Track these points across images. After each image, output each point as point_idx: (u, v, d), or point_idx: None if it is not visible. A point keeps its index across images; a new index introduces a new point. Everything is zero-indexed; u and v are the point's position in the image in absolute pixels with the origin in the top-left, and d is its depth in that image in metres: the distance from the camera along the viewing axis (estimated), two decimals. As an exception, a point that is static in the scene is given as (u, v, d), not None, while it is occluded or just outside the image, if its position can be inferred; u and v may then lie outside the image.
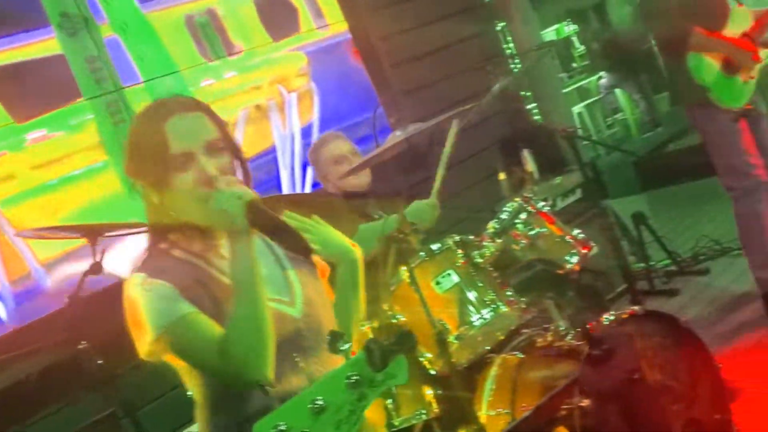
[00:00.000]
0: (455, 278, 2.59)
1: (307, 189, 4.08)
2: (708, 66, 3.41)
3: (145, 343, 1.49)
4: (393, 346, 1.10)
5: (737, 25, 3.51)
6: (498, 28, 5.52)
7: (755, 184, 3.47)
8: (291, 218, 1.75)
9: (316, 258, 1.77)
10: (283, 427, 1.03)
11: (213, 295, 1.54)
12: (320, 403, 1.05)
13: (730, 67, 3.41)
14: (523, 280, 2.60)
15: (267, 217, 1.45)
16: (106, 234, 2.67)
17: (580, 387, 2.09)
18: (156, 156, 1.52)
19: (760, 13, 3.58)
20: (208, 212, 1.49)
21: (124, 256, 3.13)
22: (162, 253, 1.60)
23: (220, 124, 1.61)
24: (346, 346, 1.14)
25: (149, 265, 1.56)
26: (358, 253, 1.85)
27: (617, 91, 10.80)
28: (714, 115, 3.47)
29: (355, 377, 1.08)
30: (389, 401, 2.55)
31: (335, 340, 1.14)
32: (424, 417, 2.55)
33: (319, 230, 1.86)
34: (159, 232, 1.62)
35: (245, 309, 1.44)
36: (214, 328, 1.47)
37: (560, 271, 2.49)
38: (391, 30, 4.73)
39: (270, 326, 1.46)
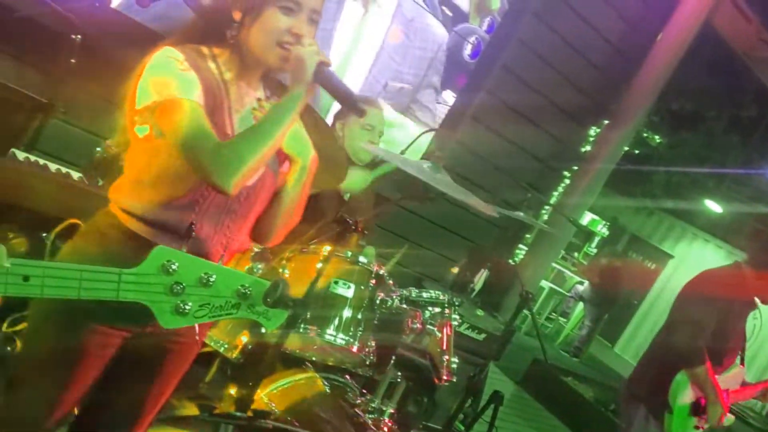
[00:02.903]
0: (349, 293, 2.64)
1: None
2: (686, 393, 3.54)
3: (144, 102, 1.60)
4: (291, 304, 1.18)
5: (728, 380, 3.66)
6: (566, 174, 5.65)
7: None
8: None
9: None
10: (174, 267, 1.12)
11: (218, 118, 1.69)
12: (211, 280, 1.14)
13: (697, 409, 3.54)
14: (397, 354, 2.68)
15: (328, 76, 1.67)
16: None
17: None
18: None
19: (748, 383, 3.77)
20: (280, 59, 1.68)
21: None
22: (203, 56, 1.71)
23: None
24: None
25: (190, 55, 1.65)
26: (312, 161, 1.90)
27: (580, 304, 11.08)
28: (649, 426, 3.57)
29: (247, 290, 1.17)
30: (213, 313, 2.59)
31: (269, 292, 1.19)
32: (220, 349, 2.59)
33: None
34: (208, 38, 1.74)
35: (260, 137, 1.61)
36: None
37: (436, 377, 2.58)
38: (504, 87, 4.82)
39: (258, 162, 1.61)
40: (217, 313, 1.16)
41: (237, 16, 1.71)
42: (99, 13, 2.82)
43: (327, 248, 2.61)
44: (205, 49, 1.71)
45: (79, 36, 2.58)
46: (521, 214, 3.05)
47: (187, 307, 1.13)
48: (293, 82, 1.66)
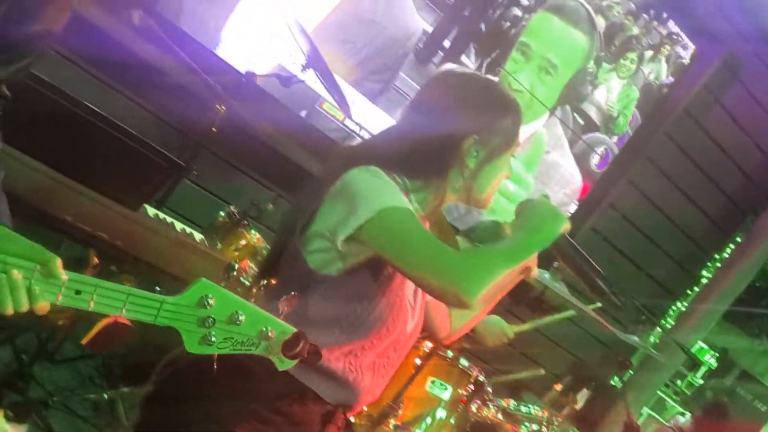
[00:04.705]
0: (445, 395, 2.58)
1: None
2: None
3: (358, 218, 1.43)
4: (311, 360, 1.23)
5: None
6: (681, 299, 5.41)
7: None
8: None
9: None
10: (211, 302, 1.18)
11: None
12: (240, 319, 1.20)
13: None
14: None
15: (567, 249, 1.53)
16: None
17: None
18: (515, 130, 1.61)
19: None
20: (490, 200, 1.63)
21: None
22: (398, 186, 1.55)
23: None
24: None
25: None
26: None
27: (679, 437, 10.40)
28: None
29: (269, 333, 1.22)
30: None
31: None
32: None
33: None
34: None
35: (498, 258, 1.42)
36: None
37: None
38: (627, 202, 4.71)
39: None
40: (238, 348, 1.23)
41: (470, 162, 1.58)
42: (244, 87, 2.96)
43: (428, 344, 2.56)
44: (398, 179, 1.54)
45: (223, 107, 2.70)
46: (636, 338, 2.91)
47: (213, 339, 1.20)
48: (533, 241, 1.47)
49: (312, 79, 3.18)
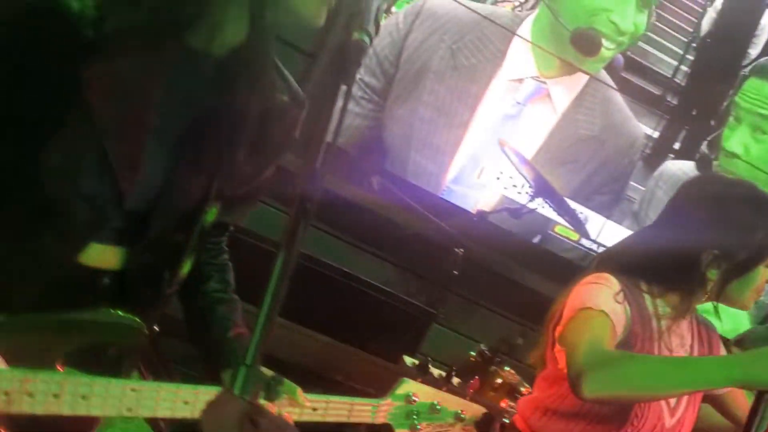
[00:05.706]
0: None
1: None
2: None
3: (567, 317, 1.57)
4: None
5: None
6: None
7: None
8: None
9: None
10: (415, 398, 1.44)
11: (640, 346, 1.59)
12: (438, 407, 1.47)
13: None
14: None
15: None
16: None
17: None
18: None
19: None
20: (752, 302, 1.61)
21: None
22: (639, 290, 1.63)
23: None
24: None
25: (629, 289, 1.59)
26: None
27: None
28: None
29: (464, 415, 1.49)
30: None
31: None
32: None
33: None
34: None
35: (657, 376, 1.41)
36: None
37: None
38: None
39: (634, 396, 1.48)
40: (438, 430, 1.46)
41: (711, 275, 1.59)
42: (477, 226, 3.03)
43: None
44: (643, 285, 1.63)
45: (461, 250, 2.78)
46: None
47: (418, 427, 1.43)
48: (728, 372, 1.38)
49: (540, 205, 3.20)
